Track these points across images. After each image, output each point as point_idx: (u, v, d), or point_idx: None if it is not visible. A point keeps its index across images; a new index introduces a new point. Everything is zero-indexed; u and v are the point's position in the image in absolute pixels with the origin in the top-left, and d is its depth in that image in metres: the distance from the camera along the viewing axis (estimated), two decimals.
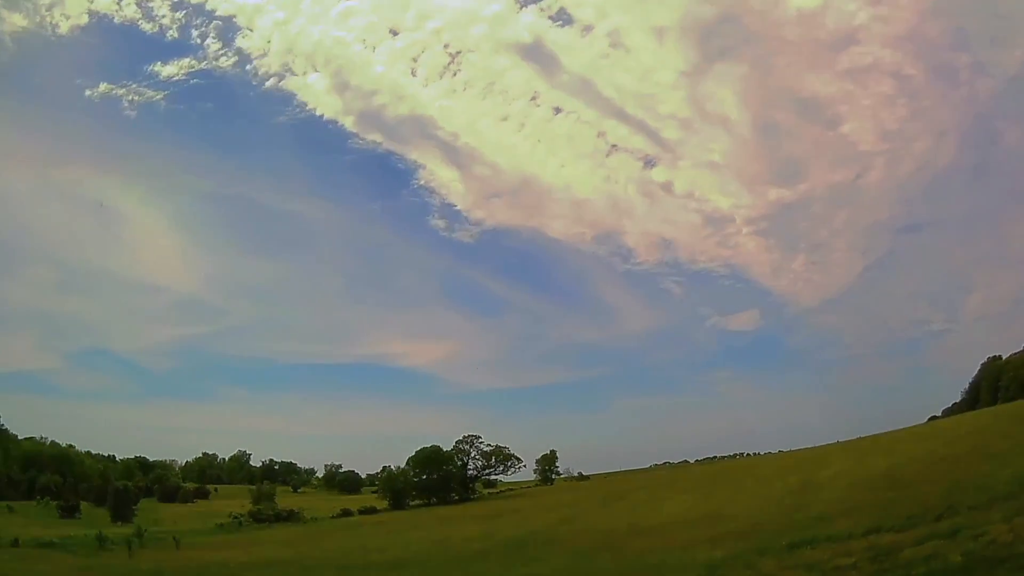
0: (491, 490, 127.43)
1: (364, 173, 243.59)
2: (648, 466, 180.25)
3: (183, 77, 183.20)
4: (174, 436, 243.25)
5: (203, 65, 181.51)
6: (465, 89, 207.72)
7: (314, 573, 36.00)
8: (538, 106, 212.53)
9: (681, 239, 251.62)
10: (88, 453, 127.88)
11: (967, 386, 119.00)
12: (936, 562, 15.52)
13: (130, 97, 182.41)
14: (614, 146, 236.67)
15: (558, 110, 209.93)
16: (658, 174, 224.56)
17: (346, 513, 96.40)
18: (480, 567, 32.24)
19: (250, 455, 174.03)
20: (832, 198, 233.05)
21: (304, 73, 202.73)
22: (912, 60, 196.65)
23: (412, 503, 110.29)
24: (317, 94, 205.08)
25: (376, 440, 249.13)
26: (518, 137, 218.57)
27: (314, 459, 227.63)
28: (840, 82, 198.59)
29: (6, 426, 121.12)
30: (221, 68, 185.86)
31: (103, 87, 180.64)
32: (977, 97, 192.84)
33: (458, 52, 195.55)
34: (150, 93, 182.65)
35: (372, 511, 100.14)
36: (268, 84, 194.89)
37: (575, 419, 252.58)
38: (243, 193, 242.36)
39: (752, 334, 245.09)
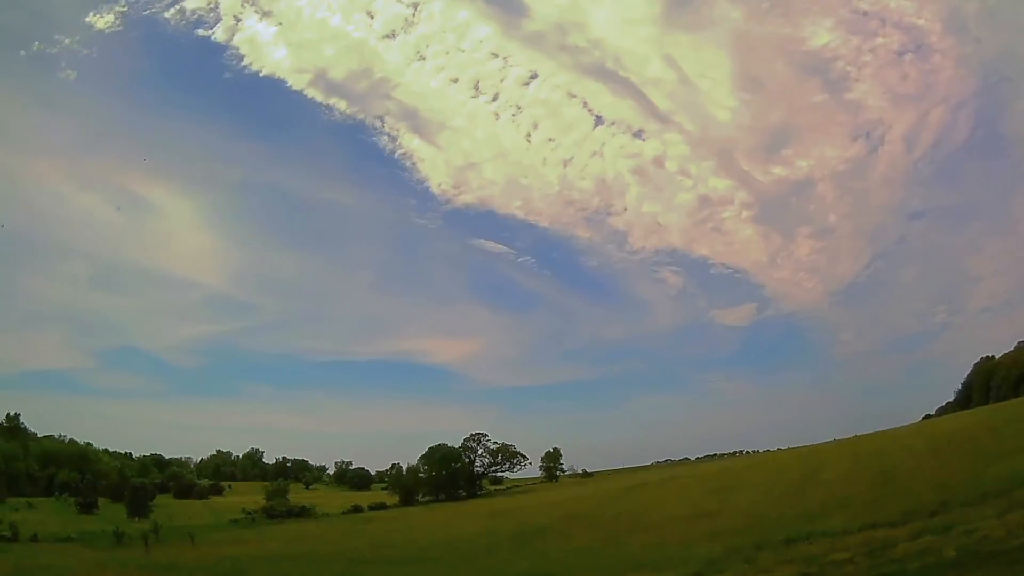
0: (497, 486, 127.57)
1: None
2: (650, 463, 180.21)
3: None
4: (192, 434, 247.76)
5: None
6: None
7: (326, 567, 36.13)
8: None
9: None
10: (105, 451, 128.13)
11: (960, 386, 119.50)
12: (930, 557, 15.55)
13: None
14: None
15: None
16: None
17: (357, 509, 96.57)
18: (487, 561, 32.40)
19: (263, 452, 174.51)
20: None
21: None
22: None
23: (421, 499, 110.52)
24: None
25: (390, 437, 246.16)
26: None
27: (328, 456, 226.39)
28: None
29: (26, 424, 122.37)
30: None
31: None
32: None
33: None
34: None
35: (382, 507, 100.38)
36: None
37: (591, 416, 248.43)
38: (274, 182, 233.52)
39: (748, 330, 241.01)
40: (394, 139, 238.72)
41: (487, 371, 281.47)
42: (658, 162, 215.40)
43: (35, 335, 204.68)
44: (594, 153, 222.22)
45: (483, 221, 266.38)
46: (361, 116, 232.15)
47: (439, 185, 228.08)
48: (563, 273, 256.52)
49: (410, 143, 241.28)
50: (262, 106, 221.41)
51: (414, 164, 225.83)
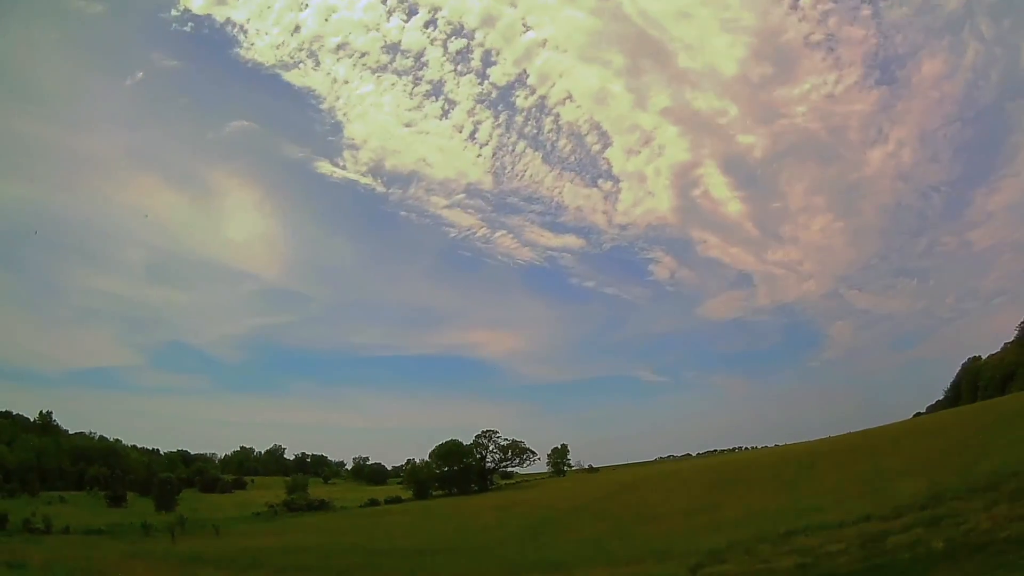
0: (507, 481, 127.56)
1: None
2: (653, 459, 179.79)
3: None
4: (230, 429, 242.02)
5: None
6: None
7: (344, 558, 36.24)
8: None
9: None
10: (134, 447, 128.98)
11: (949, 385, 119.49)
12: (920, 548, 15.62)
13: None
14: None
15: None
16: None
17: (373, 502, 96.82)
18: (498, 552, 32.54)
19: (284, 448, 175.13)
20: None
21: None
22: None
23: (434, 493, 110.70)
24: None
25: (421, 433, 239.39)
26: None
27: (349, 451, 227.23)
28: None
29: (59, 422, 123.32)
30: None
31: None
32: None
33: None
34: None
35: (397, 500, 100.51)
36: None
37: (596, 414, 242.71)
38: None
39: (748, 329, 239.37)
40: None
41: (527, 366, 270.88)
42: None
43: (86, 332, 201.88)
44: None
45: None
46: None
47: None
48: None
49: None
50: None
51: None
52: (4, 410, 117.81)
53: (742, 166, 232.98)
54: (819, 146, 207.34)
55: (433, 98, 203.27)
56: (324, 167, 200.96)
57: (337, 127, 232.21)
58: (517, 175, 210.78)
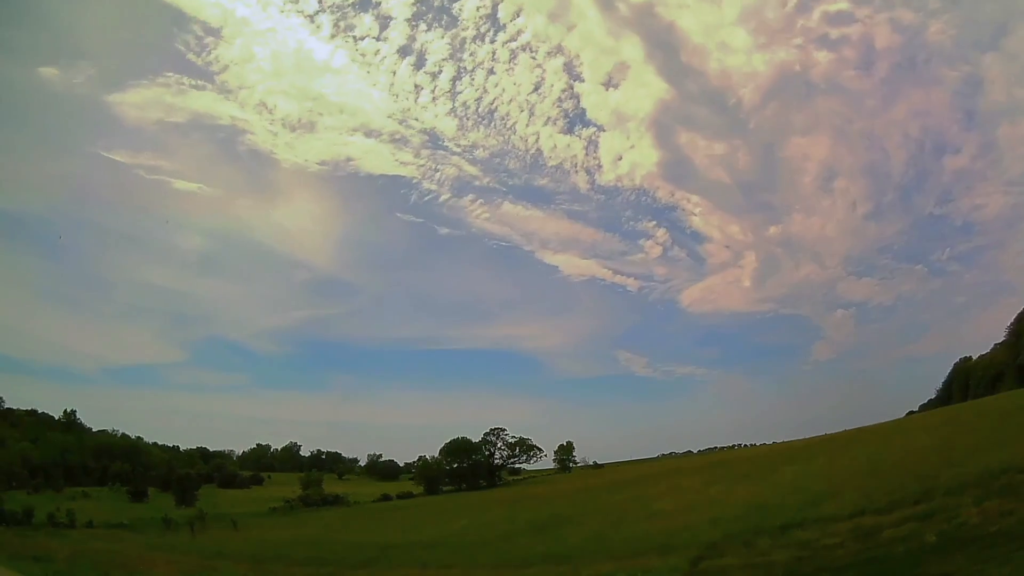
0: (515, 477, 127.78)
1: None
2: (656, 456, 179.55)
3: None
4: (241, 426, 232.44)
5: None
6: None
7: (358, 551, 36.44)
8: None
9: None
10: (155, 444, 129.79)
11: (941, 384, 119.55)
12: (913, 541, 15.71)
13: None
14: None
15: None
16: None
17: (385, 498, 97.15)
18: (505, 545, 32.63)
19: (300, 445, 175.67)
20: None
21: None
22: None
23: (444, 489, 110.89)
24: None
25: (445, 431, 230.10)
26: None
27: (363, 448, 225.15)
28: None
29: (82, 419, 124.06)
30: None
31: None
32: None
33: None
34: None
35: (409, 496, 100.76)
36: None
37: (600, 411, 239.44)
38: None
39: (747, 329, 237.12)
40: None
41: (567, 361, 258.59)
42: None
43: (129, 329, 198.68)
44: None
45: None
46: None
47: None
48: None
49: None
50: None
51: None
52: (30, 408, 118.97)
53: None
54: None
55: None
56: None
57: None
58: None
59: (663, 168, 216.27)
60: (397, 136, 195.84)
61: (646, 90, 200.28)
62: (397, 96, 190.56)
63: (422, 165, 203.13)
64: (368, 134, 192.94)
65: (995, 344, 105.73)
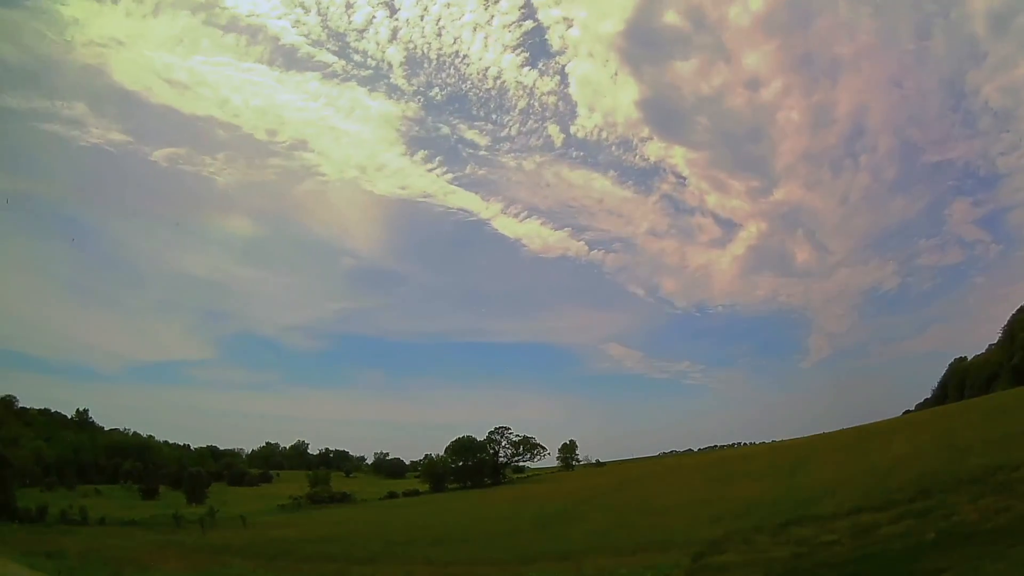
0: (519, 475, 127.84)
1: None
2: (657, 454, 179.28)
3: None
4: (250, 423, 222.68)
5: None
6: None
7: (365, 547, 36.38)
8: None
9: None
10: (166, 442, 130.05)
11: (936, 384, 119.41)
12: (911, 539, 15.67)
13: None
14: None
15: None
16: None
17: (392, 495, 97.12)
18: (510, 542, 32.56)
19: (308, 444, 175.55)
20: None
21: None
22: None
23: (450, 486, 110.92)
24: None
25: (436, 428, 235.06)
26: None
27: (371, 446, 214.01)
28: None
29: (94, 418, 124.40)
30: None
31: None
32: None
33: None
34: None
35: (415, 493, 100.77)
36: None
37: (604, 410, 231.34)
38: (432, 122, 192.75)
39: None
40: None
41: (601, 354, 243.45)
42: None
43: (157, 325, 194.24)
44: None
45: None
46: None
47: None
48: None
49: None
50: None
51: None
52: (43, 407, 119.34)
53: None
54: None
55: None
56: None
57: None
58: None
59: None
60: None
61: None
62: None
63: None
64: None
65: (990, 345, 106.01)
